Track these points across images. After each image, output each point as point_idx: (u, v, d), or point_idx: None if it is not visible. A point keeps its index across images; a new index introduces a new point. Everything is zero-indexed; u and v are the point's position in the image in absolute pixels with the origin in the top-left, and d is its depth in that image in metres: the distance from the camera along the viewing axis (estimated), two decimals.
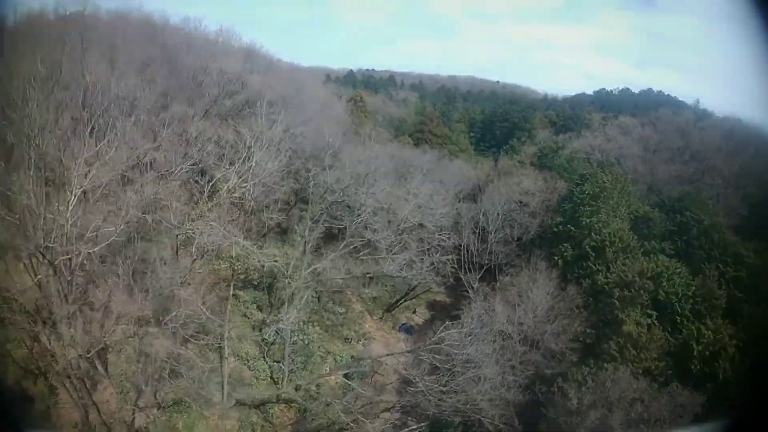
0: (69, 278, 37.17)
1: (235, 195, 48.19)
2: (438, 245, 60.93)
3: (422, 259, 57.79)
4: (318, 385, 51.38)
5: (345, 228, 57.06)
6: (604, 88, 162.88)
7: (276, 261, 49.22)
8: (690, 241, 55.77)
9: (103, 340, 37.91)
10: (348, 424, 44.97)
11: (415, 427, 44.39)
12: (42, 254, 36.00)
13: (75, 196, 36.60)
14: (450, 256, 62.32)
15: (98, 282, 39.96)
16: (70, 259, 36.63)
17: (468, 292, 60.19)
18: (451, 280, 63.67)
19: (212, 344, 48.17)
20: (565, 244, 55.57)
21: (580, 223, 55.87)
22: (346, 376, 51.52)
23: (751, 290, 46.47)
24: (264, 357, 51.96)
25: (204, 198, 47.08)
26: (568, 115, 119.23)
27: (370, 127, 76.76)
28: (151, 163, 48.45)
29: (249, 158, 48.58)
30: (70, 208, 35.99)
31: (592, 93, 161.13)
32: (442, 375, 42.59)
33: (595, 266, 50.92)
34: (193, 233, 43.44)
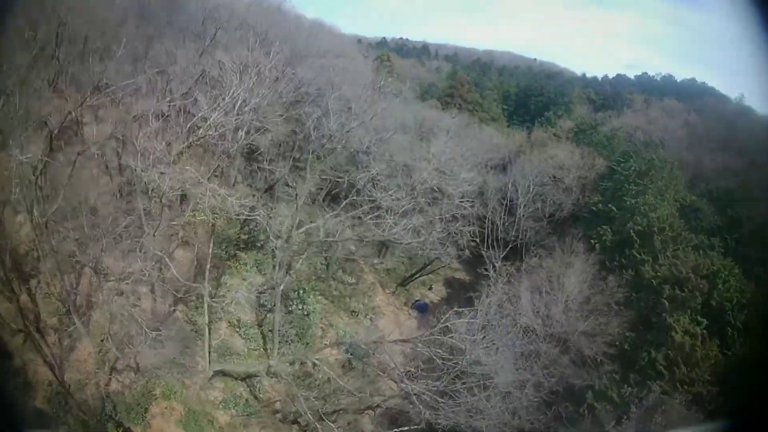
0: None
1: (213, 134, 40.87)
2: (459, 214, 53.37)
3: (442, 228, 49.86)
4: (314, 363, 45.31)
5: (351, 185, 49.72)
6: (646, 73, 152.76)
7: (257, 215, 41.84)
8: (741, 240, 47.88)
9: (88, 298, 36.38)
10: (341, 409, 39.33)
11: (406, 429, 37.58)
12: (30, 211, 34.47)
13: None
14: (472, 228, 55.14)
15: (88, 238, 36.18)
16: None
17: (489, 269, 53.64)
18: (471, 255, 56.76)
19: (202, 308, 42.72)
20: (605, 227, 47.91)
21: (623, 203, 48.25)
22: (347, 353, 45.65)
23: None
24: (259, 325, 45.77)
25: (180, 139, 40.44)
26: (608, 93, 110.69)
27: (394, 84, 68.57)
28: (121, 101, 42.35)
29: (234, 91, 40.85)
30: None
31: (633, 77, 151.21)
32: (442, 374, 36.03)
33: (640, 255, 42.81)
34: (159, 179, 37.24)
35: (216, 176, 44.32)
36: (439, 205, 53.43)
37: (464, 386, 34.92)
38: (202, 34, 54.43)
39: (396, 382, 39.26)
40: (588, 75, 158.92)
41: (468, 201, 53.80)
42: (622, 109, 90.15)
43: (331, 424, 37.62)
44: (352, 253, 57.98)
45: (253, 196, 51.87)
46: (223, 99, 39.93)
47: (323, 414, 39.12)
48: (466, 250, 54.97)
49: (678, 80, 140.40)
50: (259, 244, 50.55)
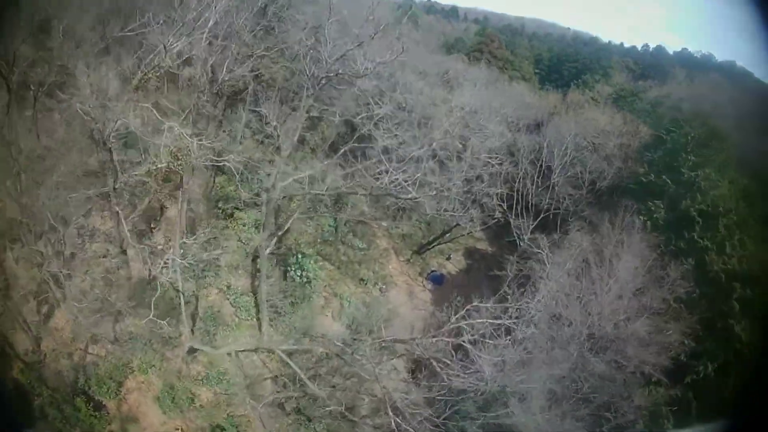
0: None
1: (171, 64, 33.34)
2: (485, 172, 45.77)
3: (464, 187, 42.90)
4: (311, 337, 39.23)
5: (353, 129, 41.92)
6: (686, 48, 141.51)
7: (225, 160, 34.84)
8: None
9: (70, 263, 32.31)
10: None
11: None
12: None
13: None
14: (499, 191, 47.33)
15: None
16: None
17: (516, 241, 46.79)
18: (497, 223, 49.14)
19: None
20: (656, 201, 40.18)
21: (680, 175, 40.37)
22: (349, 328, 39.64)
23: None
24: (253, 293, 39.53)
25: (140, 72, 33.33)
26: (648, 62, 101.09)
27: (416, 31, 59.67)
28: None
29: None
30: None
31: (672, 53, 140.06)
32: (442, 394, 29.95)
33: (703, 240, 34.84)
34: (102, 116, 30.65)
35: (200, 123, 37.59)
36: (462, 161, 45.82)
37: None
38: None
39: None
40: (626, 45, 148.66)
41: (496, 158, 46.27)
42: (664, 80, 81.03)
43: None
44: (364, 214, 51.53)
45: (259, 145, 45.69)
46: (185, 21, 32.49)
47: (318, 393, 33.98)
48: (495, 213, 47.00)
49: (719, 60, 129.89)
50: (260, 203, 44.16)
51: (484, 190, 44.54)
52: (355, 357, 33.85)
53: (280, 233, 38.98)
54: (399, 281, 48.94)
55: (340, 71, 33.56)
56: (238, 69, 36.89)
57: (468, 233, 54.61)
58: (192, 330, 36.87)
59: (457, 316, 29.39)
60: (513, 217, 47.37)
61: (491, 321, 28.73)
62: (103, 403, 32.35)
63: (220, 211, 43.27)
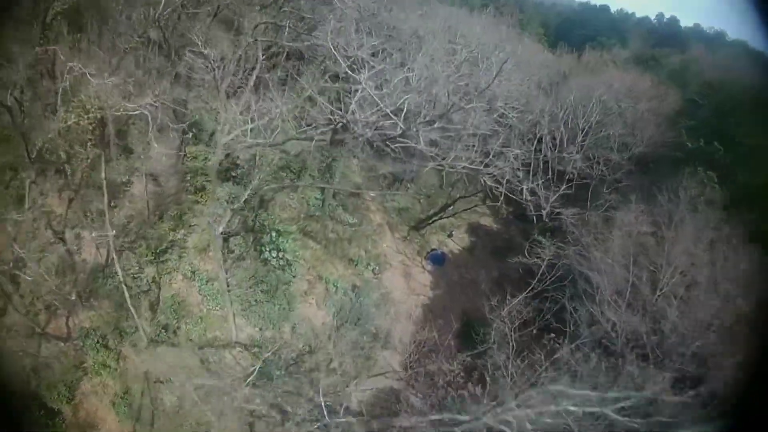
0: None
1: None
2: (502, 123, 38.80)
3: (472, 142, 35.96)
4: (293, 326, 33.61)
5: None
6: (698, 24, 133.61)
7: (142, 108, 27.73)
8: None
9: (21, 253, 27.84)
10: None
11: None
12: None
13: None
14: (517, 151, 39.75)
15: None
16: None
17: (533, 217, 40.63)
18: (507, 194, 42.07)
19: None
20: (709, 172, 32.78)
21: (736, 145, 33.75)
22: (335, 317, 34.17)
23: None
24: (226, 280, 33.54)
25: None
26: (664, 32, 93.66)
27: None
28: None
29: None
30: None
31: (684, 27, 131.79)
32: None
33: None
34: None
35: None
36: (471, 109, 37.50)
37: None
38: None
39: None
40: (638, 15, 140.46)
41: (514, 108, 39.30)
42: (683, 49, 74.17)
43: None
44: (358, 187, 45.61)
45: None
46: None
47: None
48: (508, 180, 38.99)
49: (729, 38, 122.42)
50: (236, 174, 38.12)
51: (498, 149, 37.12)
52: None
53: (236, 206, 32.67)
54: (394, 261, 42.94)
55: None
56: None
57: (472, 208, 48.71)
58: (152, 323, 31.33)
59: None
60: (532, 183, 40.54)
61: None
62: (58, 409, 28.23)
63: (189, 185, 37.17)
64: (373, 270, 40.32)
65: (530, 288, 30.49)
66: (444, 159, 34.40)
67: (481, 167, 35.11)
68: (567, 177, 42.46)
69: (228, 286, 32.94)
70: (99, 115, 26.24)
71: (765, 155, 31.42)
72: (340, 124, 32.79)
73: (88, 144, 28.85)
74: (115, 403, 29.28)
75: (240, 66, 37.72)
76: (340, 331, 34.07)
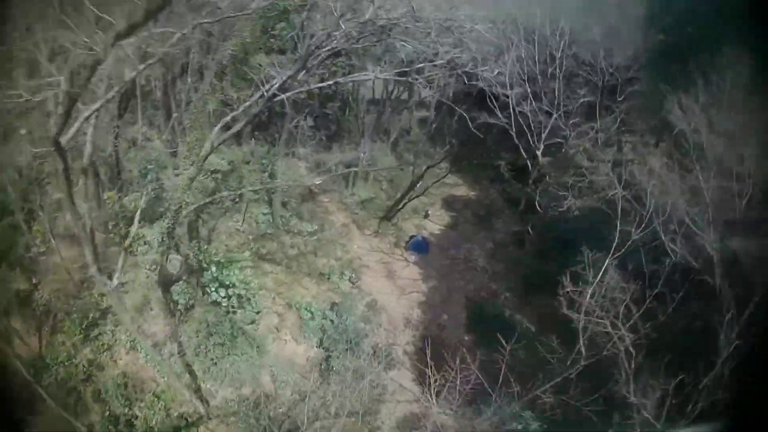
0: None
1: None
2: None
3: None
4: (272, 374, 27.04)
5: None
6: None
7: None
8: None
9: None
10: None
11: None
12: None
13: None
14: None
15: None
16: None
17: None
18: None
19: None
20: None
21: None
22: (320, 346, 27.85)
23: None
24: (173, 338, 26.54)
25: None
26: None
27: None
28: None
29: None
30: None
31: None
32: None
33: None
34: None
35: None
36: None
37: None
38: None
39: None
40: None
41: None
42: None
43: None
44: (310, 187, 38.96)
45: None
46: None
47: None
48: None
49: None
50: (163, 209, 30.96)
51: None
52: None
53: (171, 246, 25.81)
54: (372, 262, 36.45)
55: None
56: None
57: (441, 179, 42.57)
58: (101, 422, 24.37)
59: None
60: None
61: None
62: None
63: (114, 234, 29.97)
64: (350, 279, 33.81)
65: None
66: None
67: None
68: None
69: (180, 347, 26.07)
70: None
71: None
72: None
73: None
74: None
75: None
76: (330, 364, 27.58)
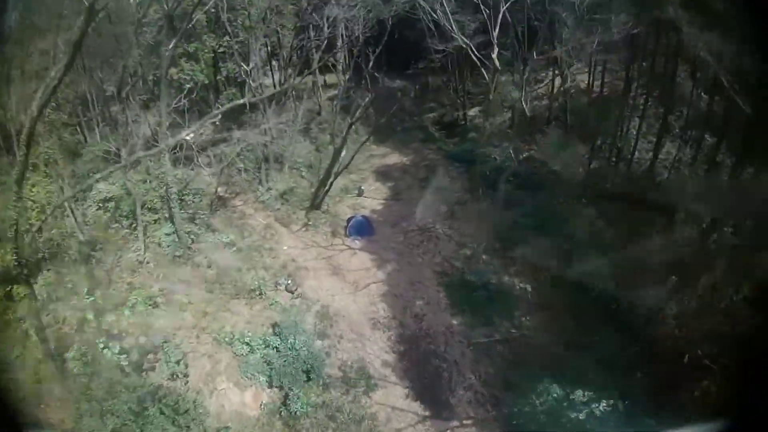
0: None
1: None
2: None
3: None
4: None
5: None
6: None
7: None
8: None
9: None
10: None
11: None
12: None
13: None
14: None
15: None
16: None
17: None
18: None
19: None
20: None
21: None
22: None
23: None
24: None
25: None
26: None
27: None
28: None
29: None
30: None
31: None
32: None
33: None
34: None
35: None
36: None
37: None
38: None
39: None
40: None
41: None
42: None
43: None
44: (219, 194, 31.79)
45: None
46: None
47: None
48: None
49: None
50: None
51: None
52: None
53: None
54: (309, 261, 29.12)
55: None
56: None
57: (365, 142, 35.70)
58: None
59: None
60: None
61: None
62: None
63: None
64: (286, 288, 26.56)
65: None
66: None
67: None
68: None
69: None
70: None
71: None
72: None
73: None
74: None
75: None
76: (292, 408, 20.37)
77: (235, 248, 29.07)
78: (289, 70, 37.04)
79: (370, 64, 34.92)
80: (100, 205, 29.73)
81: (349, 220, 31.78)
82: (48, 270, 25.48)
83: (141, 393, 18.01)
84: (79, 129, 34.15)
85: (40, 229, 25.09)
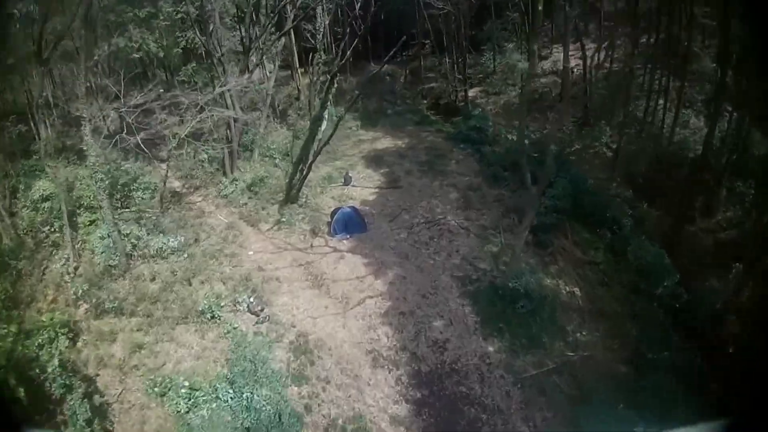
0: None
1: None
2: None
3: None
4: None
5: None
6: None
7: None
8: None
9: None
10: None
11: None
12: None
13: None
14: None
15: None
16: None
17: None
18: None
19: None
20: None
21: None
22: None
23: None
24: None
25: None
26: None
27: None
28: None
29: None
30: None
31: None
32: None
33: None
34: None
35: None
36: None
37: None
38: None
39: None
40: None
41: None
42: None
43: None
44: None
45: None
46: None
47: None
48: None
49: None
50: None
51: None
52: None
53: None
54: (282, 270, 22.07)
55: None
56: None
57: (340, 119, 28.95)
58: None
59: None
60: None
61: None
62: None
63: None
64: (249, 309, 19.53)
65: None
66: None
67: None
68: None
69: None
70: None
71: None
72: None
73: None
74: None
75: None
76: None
77: (186, 255, 22.16)
78: (257, 29, 30.26)
79: (355, 42, 28.64)
80: (37, 205, 23.66)
81: (333, 213, 24.70)
82: None
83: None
84: None
85: None
